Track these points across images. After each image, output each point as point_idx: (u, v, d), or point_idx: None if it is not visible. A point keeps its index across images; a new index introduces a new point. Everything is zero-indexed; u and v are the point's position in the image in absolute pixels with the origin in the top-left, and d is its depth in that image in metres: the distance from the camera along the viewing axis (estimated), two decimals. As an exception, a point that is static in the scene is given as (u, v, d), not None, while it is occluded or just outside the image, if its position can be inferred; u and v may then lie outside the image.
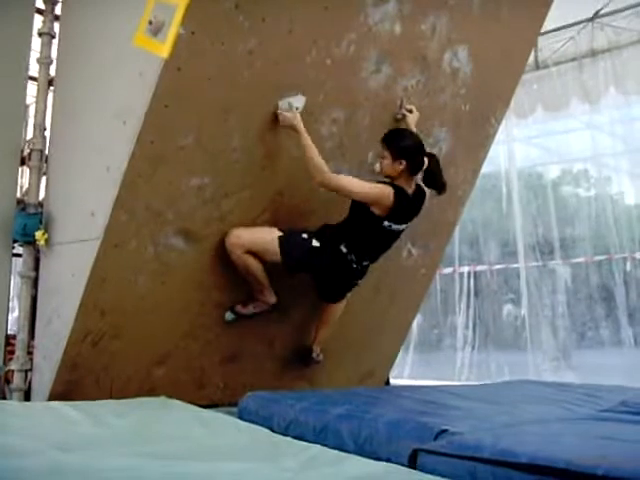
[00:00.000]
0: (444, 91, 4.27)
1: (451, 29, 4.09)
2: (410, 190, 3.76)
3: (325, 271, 3.90)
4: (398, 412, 2.86)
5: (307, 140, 3.53)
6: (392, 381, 5.47)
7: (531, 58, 6.16)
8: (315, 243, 3.78)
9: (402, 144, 3.75)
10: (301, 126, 3.52)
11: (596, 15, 6.71)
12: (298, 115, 3.53)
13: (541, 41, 6.74)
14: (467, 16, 4.12)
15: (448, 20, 4.05)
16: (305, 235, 3.79)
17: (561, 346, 7.09)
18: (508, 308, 7.86)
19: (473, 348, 7.66)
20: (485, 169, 5.20)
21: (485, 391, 3.87)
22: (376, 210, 3.66)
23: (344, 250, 3.78)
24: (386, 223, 3.70)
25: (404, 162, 3.68)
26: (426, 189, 3.88)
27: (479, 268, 7.89)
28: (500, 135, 5.15)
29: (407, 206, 3.77)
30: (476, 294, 7.85)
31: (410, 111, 4.07)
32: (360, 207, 3.69)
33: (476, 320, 7.77)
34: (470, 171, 4.80)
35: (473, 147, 4.71)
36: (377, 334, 4.74)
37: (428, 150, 4.30)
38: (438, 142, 4.37)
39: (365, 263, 3.92)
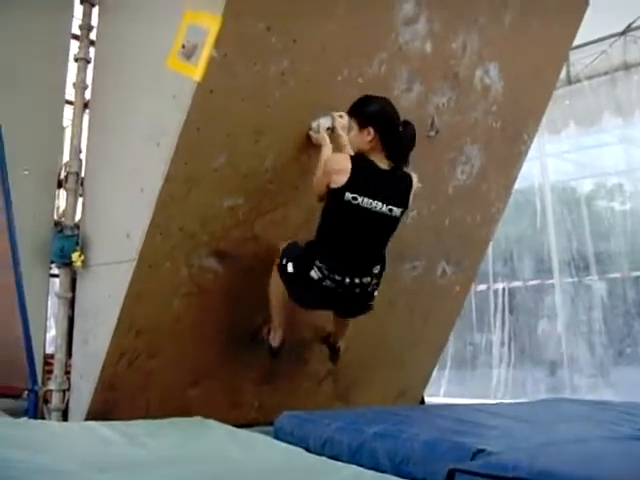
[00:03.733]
0: (475, 108, 4.26)
1: (482, 46, 4.09)
2: (384, 165, 3.27)
3: (303, 299, 3.53)
4: (434, 431, 2.84)
5: (324, 157, 3.43)
6: (427, 399, 5.43)
7: (563, 73, 6.12)
8: (289, 268, 3.40)
9: (368, 109, 3.29)
10: (325, 144, 3.48)
11: (628, 28, 6.65)
12: (326, 136, 3.51)
13: (572, 56, 6.69)
14: (498, 33, 4.12)
15: (479, 37, 4.05)
16: (285, 260, 3.42)
17: (598, 363, 6.98)
18: (543, 324, 7.76)
19: (509, 365, 7.57)
20: (518, 185, 5.16)
21: (521, 410, 3.83)
22: (333, 183, 3.21)
23: (315, 276, 3.28)
24: (348, 195, 3.17)
25: (372, 130, 3.23)
26: (414, 176, 3.38)
27: (514, 284, 7.82)
28: (533, 150, 5.11)
29: (376, 177, 3.25)
30: (511, 311, 7.77)
31: (340, 116, 3.54)
32: (327, 195, 3.30)
33: (511, 337, 7.68)
34: (503, 188, 4.78)
35: (506, 164, 4.69)
36: (412, 352, 4.72)
37: (460, 167, 4.34)
38: (470, 159, 4.36)
39: (348, 281, 3.29)
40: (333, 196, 3.25)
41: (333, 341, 4.04)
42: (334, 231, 3.31)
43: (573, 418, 3.39)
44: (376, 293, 3.48)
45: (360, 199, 3.20)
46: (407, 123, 3.27)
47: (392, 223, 3.35)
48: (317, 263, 3.27)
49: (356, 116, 3.30)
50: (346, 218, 3.26)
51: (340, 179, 3.20)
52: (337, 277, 3.27)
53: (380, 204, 3.24)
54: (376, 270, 3.37)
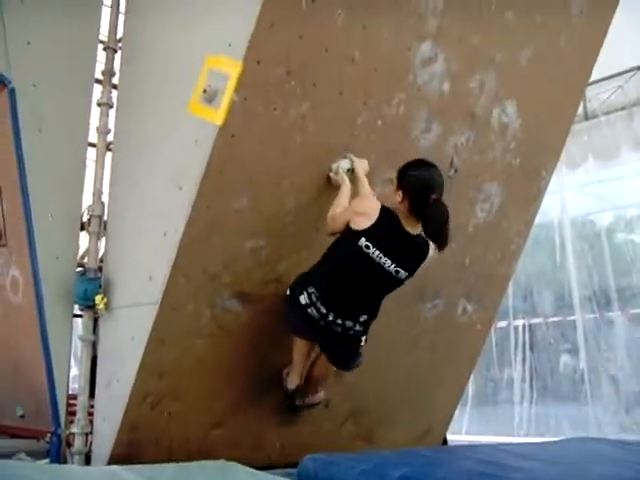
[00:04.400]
0: (494, 146, 4.27)
1: (499, 85, 4.12)
2: (411, 229, 3.28)
3: (297, 327, 3.57)
4: (460, 475, 2.83)
5: (340, 197, 3.44)
6: (450, 437, 5.37)
7: (580, 109, 6.13)
8: (288, 291, 3.49)
9: (406, 175, 3.30)
10: (345, 184, 3.48)
11: (644, 63, 6.69)
12: (346, 177, 3.53)
13: (589, 91, 6.69)
14: (514, 71, 4.15)
15: (496, 76, 4.08)
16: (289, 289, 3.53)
17: (623, 399, 6.89)
18: (565, 361, 7.67)
19: (531, 402, 7.49)
20: (537, 220, 5.14)
21: (547, 450, 3.78)
22: (354, 224, 3.26)
23: (303, 302, 3.36)
24: (363, 241, 3.22)
25: (401, 195, 3.27)
26: (431, 244, 3.35)
27: (534, 321, 7.76)
28: (552, 185, 5.10)
29: (396, 236, 3.27)
30: (532, 347, 7.70)
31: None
32: (342, 231, 3.35)
33: (533, 373, 7.61)
34: (523, 224, 4.77)
35: (525, 200, 4.69)
36: (434, 391, 4.69)
37: (479, 205, 4.34)
38: (489, 197, 4.37)
39: (332, 318, 3.34)
40: (348, 235, 3.30)
41: (309, 390, 3.92)
42: (336, 266, 3.38)
43: (599, 459, 3.35)
44: (362, 343, 3.51)
45: (372, 249, 3.24)
46: (437, 200, 3.24)
47: (393, 283, 3.38)
48: (309, 289, 3.35)
49: (397, 175, 3.35)
50: (351, 260, 3.31)
51: (362, 223, 3.25)
52: (322, 309, 3.34)
53: (389, 262, 3.26)
54: (362, 319, 3.42)
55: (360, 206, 3.34)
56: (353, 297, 3.37)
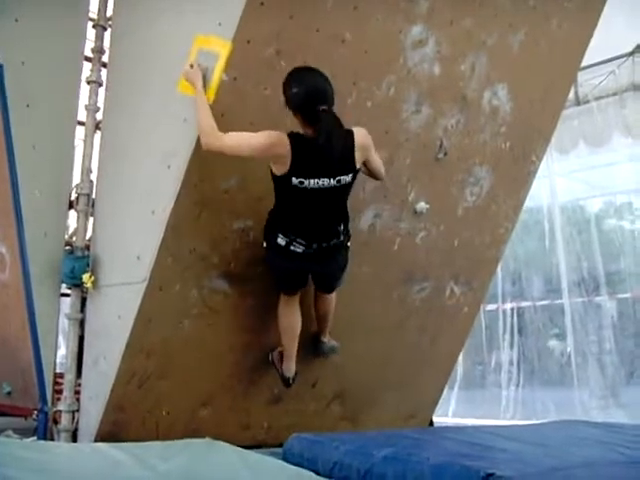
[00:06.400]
0: (484, 130, 4.26)
1: (490, 68, 4.10)
2: (321, 138, 3.13)
3: (284, 272, 3.59)
4: (443, 455, 2.83)
5: (201, 100, 3.18)
6: (436, 419, 5.40)
7: (571, 94, 6.13)
8: (264, 245, 3.50)
9: (291, 92, 3.16)
10: (199, 85, 3.21)
11: (637, 49, 6.67)
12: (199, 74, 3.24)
13: (581, 76, 6.69)
14: (506, 54, 4.14)
15: (487, 59, 4.07)
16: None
17: (609, 383, 6.94)
18: (553, 344, 7.72)
19: (518, 385, 7.54)
20: (527, 205, 5.15)
21: (531, 432, 3.81)
22: (277, 169, 3.18)
23: (282, 242, 3.35)
24: (295, 180, 3.15)
25: (299, 115, 3.18)
26: (356, 131, 3.27)
27: (523, 304, 7.79)
28: (541, 170, 5.10)
29: (318, 155, 3.16)
30: (520, 331, 7.74)
31: None
32: (273, 180, 3.28)
33: (520, 357, 7.65)
34: (512, 208, 4.77)
35: (514, 184, 4.69)
36: (421, 374, 4.70)
37: (468, 188, 4.34)
38: (479, 181, 4.36)
39: (315, 246, 3.36)
40: (280, 182, 3.24)
41: (320, 330, 3.99)
42: (289, 208, 3.34)
43: (584, 441, 3.37)
44: (349, 244, 3.54)
45: (306, 182, 3.18)
46: (325, 111, 3.12)
47: (344, 189, 3.32)
48: (282, 232, 3.35)
49: (283, 92, 3.20)
50: (297, 198, 3.26)
51: (282, 166, 3.17)
52: (302, 241, 3.35)
53: (327, 180, 3.21)
54: (340, 228, 3.44)
55: (272, 148, 3.16)
56: (321, 222, 3.37)
